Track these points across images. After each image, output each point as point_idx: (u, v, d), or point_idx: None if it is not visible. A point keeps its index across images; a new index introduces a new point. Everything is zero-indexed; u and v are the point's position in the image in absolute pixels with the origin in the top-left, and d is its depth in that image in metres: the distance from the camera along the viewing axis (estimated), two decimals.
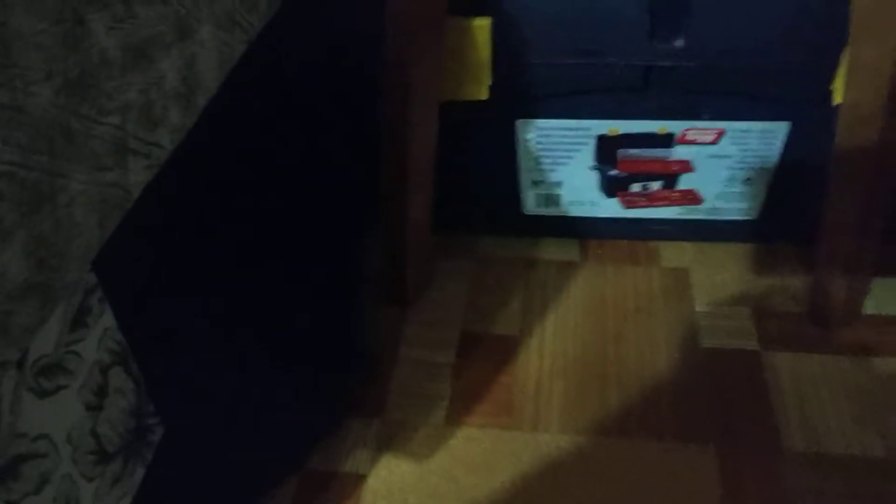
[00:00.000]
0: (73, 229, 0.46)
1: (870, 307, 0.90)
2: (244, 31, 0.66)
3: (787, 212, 0.95)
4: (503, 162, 0.94)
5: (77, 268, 0.48)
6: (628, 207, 0.97)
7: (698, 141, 0.89)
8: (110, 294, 0.56)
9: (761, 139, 0.88)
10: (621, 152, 0.91)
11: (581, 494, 0.75)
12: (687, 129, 0.88)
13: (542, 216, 0.99)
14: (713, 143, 0.89)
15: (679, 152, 0.90)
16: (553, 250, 1.00)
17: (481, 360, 0.88)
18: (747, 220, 0.97)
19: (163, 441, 0.65)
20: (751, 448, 0.78)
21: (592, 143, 0.90)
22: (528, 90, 0.86)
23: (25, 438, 0.48)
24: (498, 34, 0.82)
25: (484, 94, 0.86)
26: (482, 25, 0.81)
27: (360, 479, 0.77)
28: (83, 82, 0.46)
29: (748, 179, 0.92)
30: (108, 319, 0.56)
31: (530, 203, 0.98)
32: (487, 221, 1.02)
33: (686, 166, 0.91)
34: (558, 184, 0.95)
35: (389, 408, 0.83)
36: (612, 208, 0.97)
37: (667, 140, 0.89)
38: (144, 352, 0.60)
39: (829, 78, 0.81)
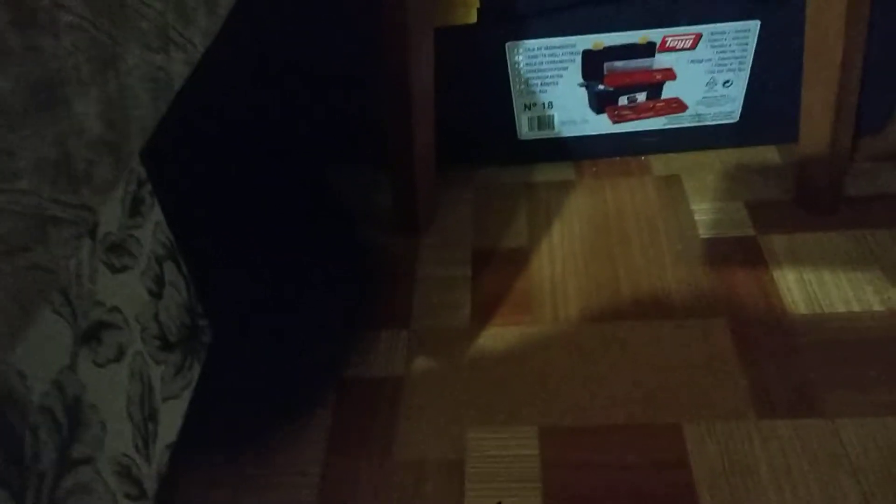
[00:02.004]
0: (133, 99, 0.50)
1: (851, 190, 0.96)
2: None
3: (766, 112, 1.01)
4: (496, 87, 0.99)
5: (138, 138, 0.52)
6: (617, 122, 1.02)
7: (678, 47, 0.94)
8: (158, 189, 0.59)
9: (736, 39, 0.94)
10: (607, 66, 0.96)
11: (607, 371, 0.79)
12: (666, 36, 0.93)
13: (537, 140, 1.04)
14: (692, 48, 0.94)
15: (661, 60, 0.95)
16: (550, 172, 1.05)
17: (495, 271, 0.92)
18: (730, 125, 1.02)
19: (213, 344, 0.68)
20: (759, 316, 0.83)
21: (579, 60, 0.96)
22: (514, 10, 0.91)
23: (103, 307, 0.52)
24: None
25: (473, 18, 0.91)
26: None
27: (397, 380, 0.81)
28: None
29: (727, 82, 0.98)
30: (157, 213, 0.60)
31: (524, 128, 1.03)
32: (484, 151, 1.07)
33: (669, 74, 0.97)
34: (549, 104, 1.00)
35: (416, 317, 0.87)
36: (601, 124, 1.02)
37: (649, 49, 0.95)
38: (189, 252, 0.64)
39: None
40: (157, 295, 0.58)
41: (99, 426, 0.50)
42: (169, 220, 0.62)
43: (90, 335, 0.50)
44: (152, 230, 0.58)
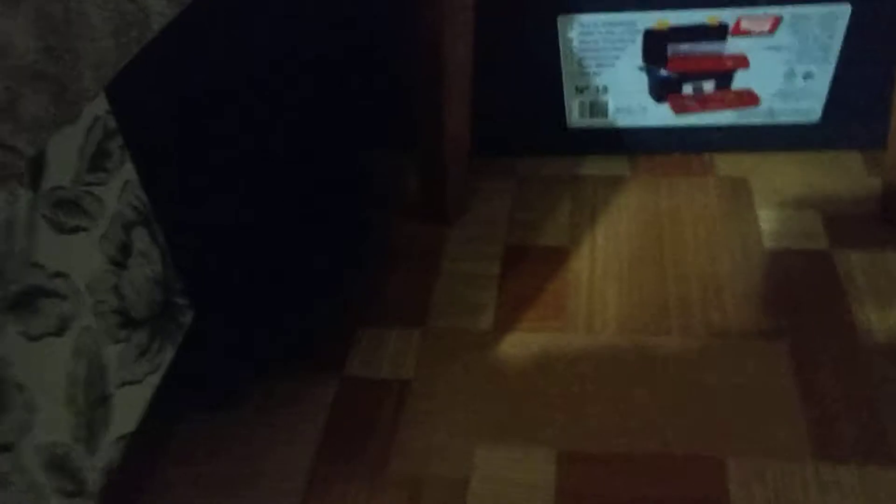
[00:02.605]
0: (85, 28, 0.43)
1: None
2: None
3: (851, 112, 0.88)
4: (544, 66, 0.89)
5: (92, 76, 0.44)
6: (680, 112, 0.91)
7: (753, 31, 0.83)
8: (132, 143, 0.52)
9: (821, 26, 0.82)
10: (671, 48, 0.86)
11: (644, 392, 0.69)
12: (741, 18, 0.82)
13: (587, 129, 0.94)
14: (769, 32, 0.83)
15: (733, 45, 0.84)
16: (600, 166, 0.95)
17: (528, 270, 0.83)
18: (809, 124, 0.90)
19: (193, 325, 0.61)
20: (828, 344, 0.71)
21: (639, 40, 0.85)
22: None
23: (42, 271, 0.44)
24: None
25: None
26: None
27: (404, 383, 0.72)
28: None
29: (808, 74, 0.86)
30: (129, 171, 0.52)
31: (574, 114, 0.93)
32: (529, 139, 0.97)
33: (741, 61, 0.86)
34: (604, 89, 0.90)
35: (432, 317, 0.79)
36: (662, 115, 0.91)
37: (719, 32, 0.84)
38: (169, 218, 0.56)
39: None
40: (119, 264, 0.51)
41: (24, 409, 0.42)
42: (152, 182, 0.55)
43: (21, 302, 0.43)
44: (119, 189, 0.51)
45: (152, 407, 0.55)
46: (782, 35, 0.83)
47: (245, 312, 0.76)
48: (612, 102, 0.91)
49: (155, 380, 0.56)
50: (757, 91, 0.88)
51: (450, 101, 0.83)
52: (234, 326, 0.74)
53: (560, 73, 0.89)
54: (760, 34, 0.83)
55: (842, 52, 0.84)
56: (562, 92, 0.91)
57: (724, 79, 0.87)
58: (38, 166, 0.42)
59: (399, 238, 0.88)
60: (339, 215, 0.90)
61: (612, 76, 0.89)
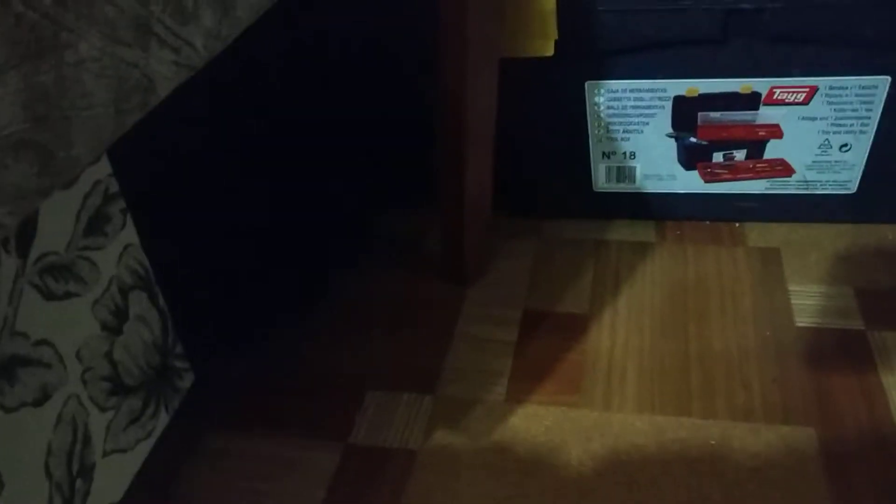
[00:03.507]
0: (82, 96, 0.42)
1: None
2: None
3: (889, 185, 0.85)
4: (571, 130, 0.87)
5: (86, 144, 0.43)
6: (710, 181, 0.88)
7: (787, 101, 0.81)
8: (134, 207, 0.51)
9: (859, 97, 0.79)
10: (701, 116, 0.83)
11: (660, 476, 0.65)
12: (774, 87, 0.80)
13: (614, 193, 0.92)
14: (804, 102, 0.81)
15: (766, 114, 0.82)
16: (626, 231, 0.92)
17: (546, 338, 0.80)
18: (845, 196, 0.87)
19: (193, 389, 0.59)
20: (859, 432, 0.67)
21: (669, 107, 0.83)
22: (597, 44, 0.80)
23: (25, 340, 0.43)
24: None
25: (549, 50, 0.80)
26: None
27: (410, 454, 0.70)
28: None
29: (845, 146, 0.83)
30: (130, 235, 0.51)
31: (601, 178, 0.91)
32: (554, 201, 0.95)
33: (774, 131, 0.83)
34: (632, 155, 0.88)
35: (443, 383, 0.76)
36: (691, 182, 0.89)
37: (752, 100, 0.81)
38: (172, 282, 0.55)
39: None
40: (113, 329, 0.50)
41: None
42: (155, 246, 0.54)
43: (3, 370, 0.41)
44: (118, 253, 0.50)
45: (142, 474, 0.53)
46: (817, 105, 0.81)
47: (250, 366, 0.75)
48: (639, 168, 0.88)
49: (146, 447, 0.54)
50: (790, 161, 0.85)
51: (471, 156, 0.82)
52: (234, 388, 0.73)
53: (587, 137, 0.87)
54: (795, 104, 0.81)
55: (880, 123, 0.81)
56: (589, 156, 0.89)
57: (756, 148, 0.85)
58: (27, 232, 0.42)
59: (415, 298, 0.86)
60: (350, 277, 0.88)
61: (641, 142, 0.86)
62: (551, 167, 0.91)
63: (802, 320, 0.78)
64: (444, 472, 0.68)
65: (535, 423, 0.71)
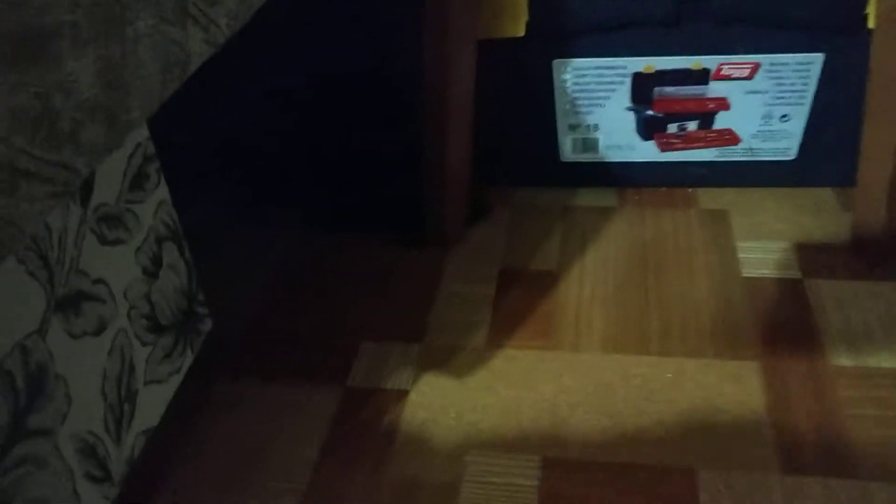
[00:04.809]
0: (138, 67, 0.49)
1: None
2: None
3: (825, 151, 0.95)
4: (540, 106, 0.96)
5: (139, 109, 0.50)
6: (665, 150, 0.98)
7: (734, 76, 0.90)
8: (166, 167, 0.58)
9: (797, 72, 0.89)
10: (657, 91, 0.92)
11: (623, 406, 0.74)
12: (722, 64, 0.89)
13: (579, 163, 1.00)
14: (748, 77, 0.90)
15: (715, 89, 0.91)
16: (590, 197, 1.01)
17: (520, 292, 0.88)
18: (785, 162, 0.97)
19: (210, 334, 0.67)
20: (796, 364, 0.77)
21: (628, 83, 0.92)
22: (564, 26, 0.88)
23: (87, 277, 0.50)
24: None
25: (521, 31, 0.88)
26: None
27: (402, 394, 0.78)
28: None
29: (784, 116, 0.93)
30: (163, 192, 0.58)
31: (567, 149, 0.99)
32: (524, 172, 1.04)
33: (722, 104, 0.92)
34: (595, 127, 0.96)
35: (430, 334, 0.84)
36: (648, 152, 0.98)
37: (702, 76, 0.90)
38: (195, 236, 0.62)
39: (863, 1, 0.82)
40: (152, 274, 0.57)
41: (64, 399, 0.48)
42: (182, 203, 0.61)
43: (68, 304, 0.48)
44: (154, 208, 0.57)
45: (171, 405, 0.60)
46: (761, 80, 0.90)
47: (259, 322, 0.82)
48: (602, 139, 0.97)
49: (176, 380, 0.61)
50: (737, 131, 0.94)
51: (452, 133, 0.89)
52: (247, 337, 0.80)
53: (555, 112, 0.96)
54: (740, 79, 0.90)
55: (816, 96, 0.91)
56: (556, 129, 0.97)
57: (706, 119, 0.94)
58: (87, 186, 0.48)
59: (401, 261, 0.94)
60: (343, 242, 0.96)
61: (603, 115, 0.95)
62: (521, 141, 1.00)
63: (748, 271, 0.88)
64: (433, 410, 0.76)
65: (513, 364, 0.80)
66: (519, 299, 0.87)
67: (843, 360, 0.77)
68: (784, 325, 0.81)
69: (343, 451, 0.73)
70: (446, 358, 0.81)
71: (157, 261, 0.58)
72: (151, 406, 0.58)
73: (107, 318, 0.52)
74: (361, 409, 0.77)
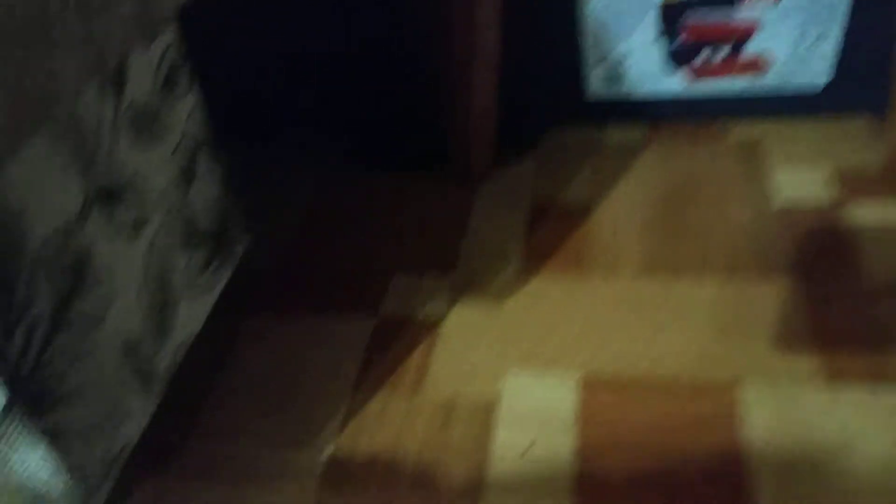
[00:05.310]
0: None
1: None
2: None
3: (858, 78, 0.93)
4: (566, 38, 0.94)
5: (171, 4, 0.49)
6: (694, 80, 0.96)
7: None
8: (196, 71, 0.58)
9: None
10: (685, 18, 0.91)
11: (661, 325, 0.73)
12: None
13: (607, 101, 0.99)
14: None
15: (744, 12, 0.89)
16: (619, 135, 1.00)
17: (552, 225, 0.87)
18: (819, 89, 0.95)
19: (246, 254, 0.66)
20: (838, 283, 0.76)
21: (655, 12, 0.90)
22: None
23: (126, 170, 0.50)
24: None
25: None
26: None
27: (434, 324, 0.77)
28: None
29: (817, 37, 0.91)
30: (195, 98, 0.58)
31: (595, 84, 0.98)
32: (551, 111, 1.02)
33: (753, 27, 0.91)
34: (623, 59, 0.95)
35: (461, 266, 0.83)
36: (677, 84, 0.96)
37: (731, 0, 0.89)
38: (228, 149, 0.61)
39: None
40: (188, 178, 0.56)
41: (107, 288, 0.47)
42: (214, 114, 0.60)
43: (108, 194, 0.48)
44: (187, 112, 0.56)
45: (208, 323, 0.60)
46: (791, 1, 0.88)
47: (292, 256, 0.82)
48: (629, 72, 0.96)
49: (211, 299, 0.61)
50: (768, 56, 0.93)
51: (479, 78, 0.88)
52: (281, 271, 0.80)
53: (581, 46, 0.94)
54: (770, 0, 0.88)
55: (849, 15, 0.88)
56: (582, 64, 0.96)
57: (736, 46, 0.92)
58: (120, 79, 0.48)
59: (430, 198, 0.93)
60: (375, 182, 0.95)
61: (630, 46, 0.94)
62: (548, 79, 0.98)
63: (783, 200, 0.86)
64: (468, 335, 0.75)
65: (548, 290, 0.79)
66: (550, 231, 0.86)
67: (880, 276, 0.75)
68: (821, 248, 0.80)
69: (379, 376, 0.72)
70: (480, 286, 0.80)
71: (192, 165, 0.57)
72: (189, 319, 0.57)
73: (146, 213, 0.52)
74: (396, 337, 0.76)
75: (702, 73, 0.95)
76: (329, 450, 0.66)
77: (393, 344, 0.75)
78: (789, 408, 0.65)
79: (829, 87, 0.94)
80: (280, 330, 0.78)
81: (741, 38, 0.91)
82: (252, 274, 0.80)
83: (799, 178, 0.89)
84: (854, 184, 0.87)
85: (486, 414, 0.67)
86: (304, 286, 0.83)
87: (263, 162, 1.00)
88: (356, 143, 1.04)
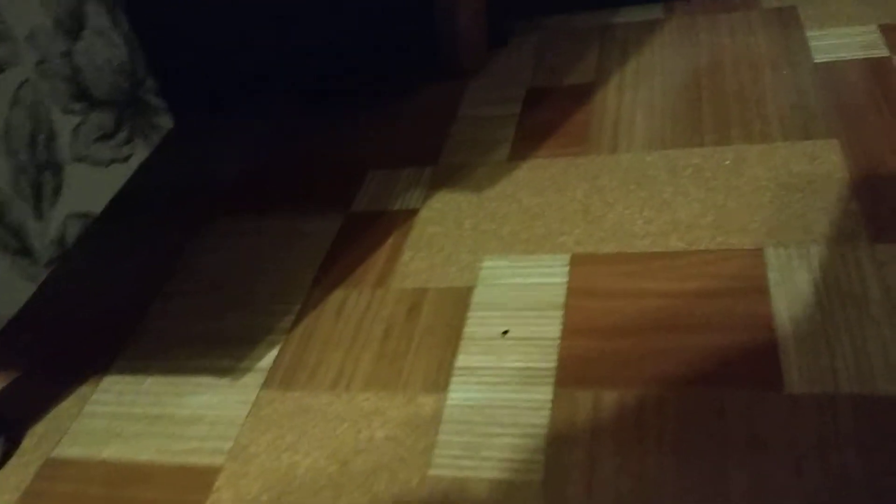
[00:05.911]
0: None
1: None
2: None
3: None
4: None
5: None
6: None
7: None
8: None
9: None
10: None
11: (672, 197, 0.62)
12: None
13: None
14: None
15: None
16: (633, 13, 0.88)
17: (551, 106, 0.76)
18: None
19: (169, 136, 0.58)
20: (880, 139, 0.62)
21: None
22: None
23: None
24: None
25: None
26: None
27: (411, 213, 0.67)
28: None
29: None
30: None
31: None
32: None
33: None
34: None
35: (445, 155, 0.73)
36: None
37: None
38: (204, 47, 0.53)
39: None
40: (69, 32, 0.48)
41: None
42: None
43: None
44: None
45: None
46: None
47: (263, 156, 0.73)
48: None
49: (124, 171, 0.53)
50: None
51: None
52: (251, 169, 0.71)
53: None
54: None
55: None
56: None
57: None
58: None
59: (414, 94, 0.84)
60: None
61: None
62: None
63: (822, 57, 0.73)
64: (445, 223, 0.65)
65: (539, 173, 0.68)
66: (549, 113, 0.75)
67: None
68: (868, 101, 0.66)
69: (342, 269, 0.63)
70: (462, 175, 0.70)
71: (76, 18, 0.49)
72: (87, 188, 0.49)
73: (4, 57, 0.44)
74: (365, 231, 0.67)
75: None
76: (276, 349, 0.57)
77: (361, 238, 0.66)
78: (829, 271, 0.52)
79: None
80: (247, 230, 0.70)
81: None
82: (219, 180, 0.72)
83: (841, 34, 0.76)
84: None
85: (458, 300, 0.57)
86: (278, 189, 0.74)
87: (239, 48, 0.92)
88: (343, 47, 0.95)
